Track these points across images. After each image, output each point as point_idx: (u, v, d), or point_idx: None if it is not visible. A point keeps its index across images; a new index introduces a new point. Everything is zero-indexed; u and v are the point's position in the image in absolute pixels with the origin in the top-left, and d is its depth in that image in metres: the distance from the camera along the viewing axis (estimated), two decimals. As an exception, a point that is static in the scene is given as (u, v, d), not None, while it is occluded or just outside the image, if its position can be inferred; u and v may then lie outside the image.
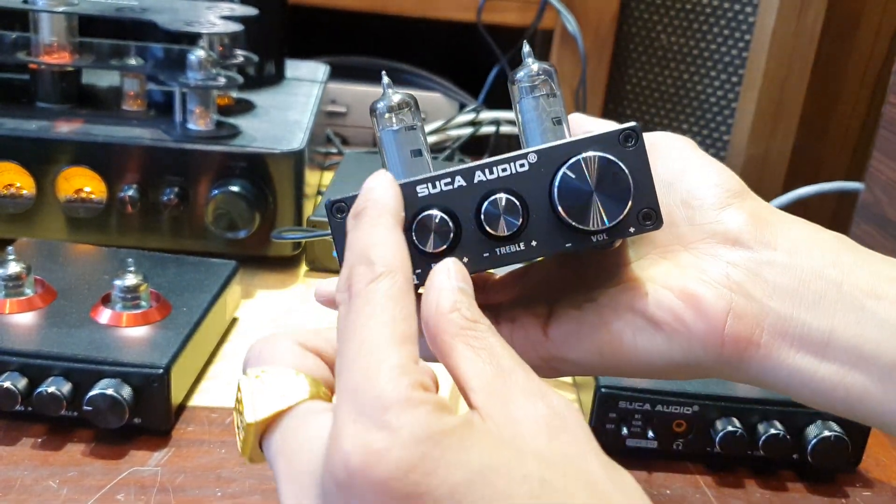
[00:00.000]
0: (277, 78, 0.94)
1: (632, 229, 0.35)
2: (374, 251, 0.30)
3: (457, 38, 1.30)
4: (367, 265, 0.30)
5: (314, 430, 0.29)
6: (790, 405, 0.53)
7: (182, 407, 0.55)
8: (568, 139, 0.35)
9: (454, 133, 1.07)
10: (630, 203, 0.34)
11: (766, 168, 1.05)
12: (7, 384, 0.50)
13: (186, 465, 0.50)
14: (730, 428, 0.52)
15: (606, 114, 1.18)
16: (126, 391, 0.50)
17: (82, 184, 0.69)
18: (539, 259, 0.40)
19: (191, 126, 0.72)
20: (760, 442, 0.53)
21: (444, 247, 0.34)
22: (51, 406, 0.50)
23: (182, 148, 0.70)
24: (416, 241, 0.34)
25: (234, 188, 0.69)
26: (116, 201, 0.69)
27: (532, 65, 0.36)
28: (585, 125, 0.42)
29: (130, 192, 0.69)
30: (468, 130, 1.07)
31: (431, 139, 1.05)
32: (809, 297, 0.35)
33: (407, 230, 0.34)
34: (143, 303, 0.56)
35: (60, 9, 0.74)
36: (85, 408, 0.50)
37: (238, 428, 0.32)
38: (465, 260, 0.34)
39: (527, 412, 0.28)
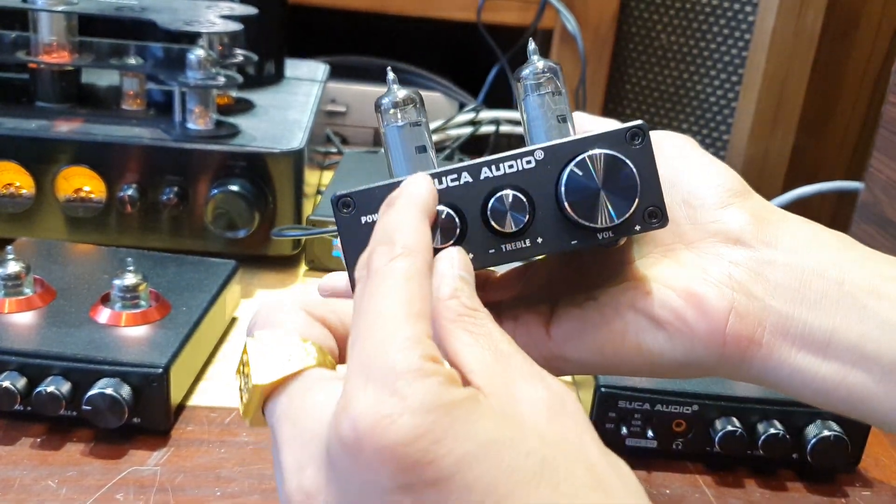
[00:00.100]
0: (277, 77, 0.94)
1: (637, 227, 0.35)
2: (397, 234, 0.31)
3: (456, 38, 1.30)
4: (388, 244, 0.30)
5: (321, 396, 0.29)
6: (790, 405, 0.53)
7: (181, 407, 0.55)
8: (575, 136, 0.35)
9: (454, 132, 1.07)
10: (637, 201, 0.34)
11: (766, 167, 1.05)
12: (6, 384, 0.50)
13: (185, 464, 0.50)
14: (729, 427, 0.52)
15: (606, 113, 1.18)
16: (125, 391, 0.50)
17: (82, 183, 0.69)
18: (541, 257, 0.40)
19: (190, 125, 0.72)
20: (760, 441, 0.53)
21: (450, 243, 0.34)
22: (50, 406, 0.50)
23: (181, 147, 0.70)
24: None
25: (234, 188, 0.69)
26: (116, 201, 0.69)
27: (537, 62, 0.36)
28: (587, 124, 0.42)
29: (130, 192, 0.69)
30: (468, 130, 1.07)
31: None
32: (811, 296, 0.35)
33: None
34: (143, 302, 0.56)
35: (60, 8, 0.74)
36: (84, 407, 0.50)
37: (242, 390, 0.32)
38: (471, 256, 0.34)
39: (527, 394, 0.28)
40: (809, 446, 0.53)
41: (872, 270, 0.36)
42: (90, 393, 0.49)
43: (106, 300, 0.56)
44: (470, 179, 0.34)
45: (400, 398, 0.26)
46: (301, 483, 0.28)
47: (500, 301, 0.40)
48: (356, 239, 0.33)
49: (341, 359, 0.33)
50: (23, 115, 0.73)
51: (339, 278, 0.40)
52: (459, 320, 0.30)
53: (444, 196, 0.34)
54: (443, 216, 0.34)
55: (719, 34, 1.07)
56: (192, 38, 0.76)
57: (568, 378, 0.62)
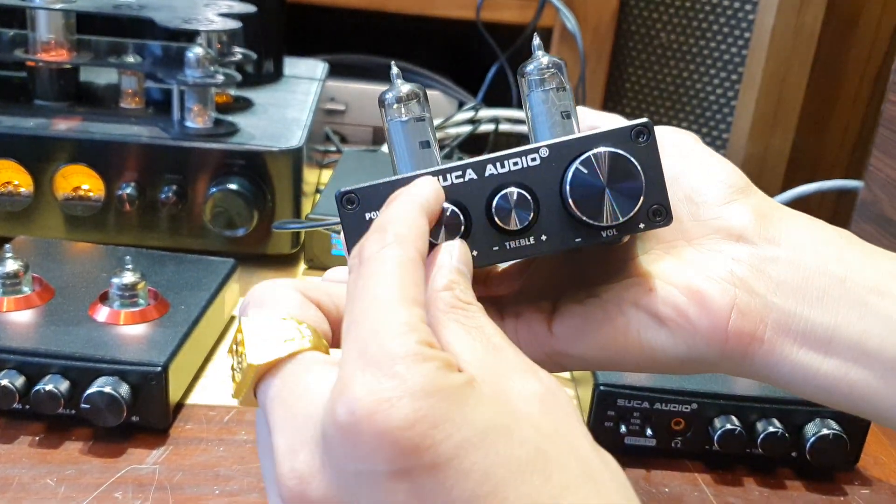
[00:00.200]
0: (276, 76, 0.94)
1: (642, 225, 0.35)
2: (390, 224, 0.31)
3: (456, 36, 1.30)
4: (380, 233, 0.31)
5: (315, 380, 0.29)
6: (789, 403, 0.53)
7: (180, 405, 0.55)
8: (579, 134, 0.35)
9: (453, 131, 1.07)
10: (641, 199, 0.34)
11: (766, 166, 1.05)
12: (5, 382, 0.50)
13: (184, 463, 0.50)
14: (728, 426, 0.52)
15: (605, 112, 1.18)
16: (124, 389, 0.50)
17: (80, 182, 0.69)
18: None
19: (189, 124, 0.72)
20: (759, 440, 0.52)
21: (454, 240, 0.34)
22: (48, 404, 0.50)
23: (180, 146, 0.70)
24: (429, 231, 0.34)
25: (233, 186, 0.69)
26: (114, 199, 0.69)
27: (542, 58, 0.36)
28: (591, 119, 0.42)
29: (128, 190, 0.69)
30: (467, 128, 1.07)
31: (430, 137, 1.04)
32: (813, 293, 0.35)
33: None
34: (141, 301, 0.56)
35: (58, 6, 0.74)
36: (83, 406, 0.50)
37: (234, 370, 0.32)
38: (475, 253, 0.34)
39: (519, 386, 0.28)
40: (808, 445, 0.53)
41: (874, 267, 0.36)
42: (89, 391, 0.49)
43: (104, 298, 0.56)
44: (475, 176, 0.34)
45: (399, 382, 0.26)
46: (294, 466, 0.28)
47: (501, 297, 0.40)
48: (360, 235, 0.33)
49: (335, 342, 0.33)
50: (21, 113, 0.73)
51: (343, 272, 0.40)
52: (452, 312, 0.30)
53: (448, 193, 0.34)
54: (447, 213, 0.34)
55: (719, 32, 1.07)
56: (190, 36, 0.76)
57: (566, 375, 0.62)
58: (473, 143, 1.09)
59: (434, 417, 0.25)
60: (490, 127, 1.08)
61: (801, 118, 1.03)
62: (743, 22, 1.05)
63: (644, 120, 0.35)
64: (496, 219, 0.34)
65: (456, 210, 0.34)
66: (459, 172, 0.34)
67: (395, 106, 0.35)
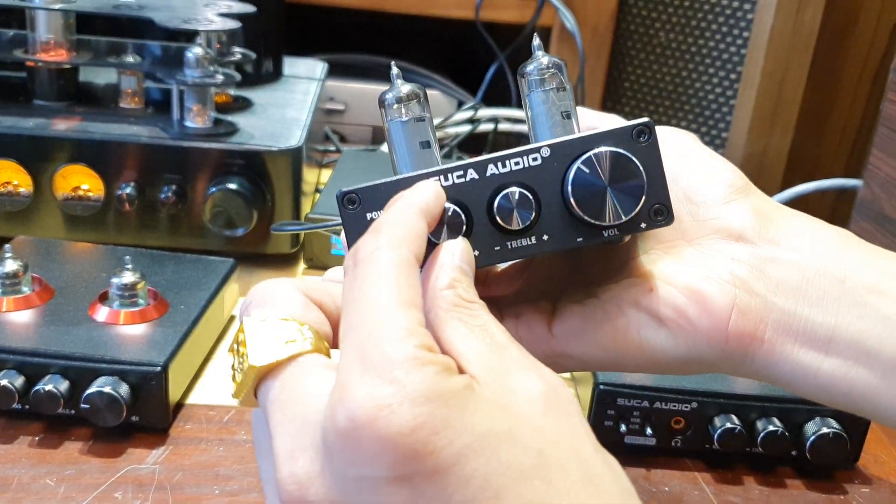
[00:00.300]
0: (275, 75, 0.94)
1: (643, 225, 0.35)
2: (385, 226, 0.31)
3: (455, 36, 1.30)
4: (373, 235, 0.30)
5: (316, 383, 0.29)
6: (789, 402, 0.53)
7: (180, 405, 0.55)
8: (581, 134, 0.35)
9: (452, 131, 1.07)
10: (643, 199, 0.34)
11: (765, 165, 1.05)
12: (4, 382, 0.50)
13: (184, 462, 0.50)
14: (728, 425, 0.52)
15: (605, 111, 1.17)
16: (123, 389, 0.50)
17: (80, 181, 0.69)
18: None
19: (188, 124, 0.72)
20: (759, 439, 0.52)
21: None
22: (48, 404, 0.50)
23: (180, 146, 0.70)
24: (427, 234, 0.34)
25: (232, 186, 0.69)
26: (114, 199, 0.69)
27: (542, 58, 0.36)
28: (590, 120, 0.42)
29: (128, 190, 0.69)
30: (466, 128, 1.07)
31: (430, 137, 1.04)
32: (813, 292, 0.35)
33: None
34: (141, 300, 0.56)
35: (58, 6, 0.74)
36: (82, 406, 0.49)
37: (235, 370, 0.32)
38: (477, 253, 0.34)
39: (522, 385, 0.28)
40: (808, 443, 0.53)
41: (874, 267, 0.36)
42: (88, 391, 0.49)
43: (104, 298, 0.56)
44: (476, 176, 0.34)
45: (398, 387, 0.26)
46: (293, 471, 0.28)
47: (501, 297, 0.40)
48: (361, 235, 0.33)
49: (336, 344, 0.33)
50: (21, 113, 0.73)
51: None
52: (455, 310, 0.30)
53: (450, 193, 0.34)
54: (449, 213, 0.34)
55: (718, 32, 1.07)
56: (190, 36, 0.76)
57: (566, 375, 0.62)
58: (473, 143, 1.09)
59: (435, 423, 0.25)
60: (489, 126, 1.08)
61: (799, 117, 1.03)
62: (742, 21, 1.05)
63: (645, 119, 0.35)
64: (498, 218, 0.34)
65: (457, 210, 0.34)
66: (461, 172, 0.34)
67: (396, 106, 0.35)
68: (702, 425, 0.53)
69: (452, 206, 0.34)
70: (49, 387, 0.49)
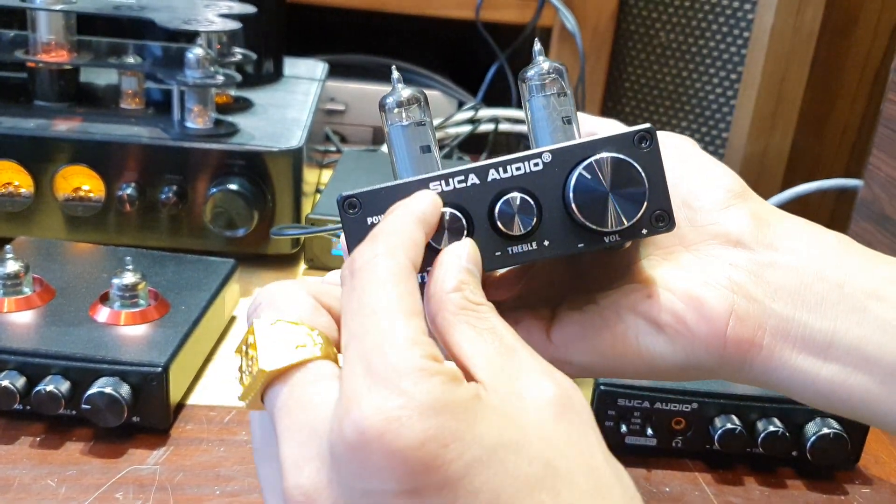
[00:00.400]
0: (276, 76, 0.94)
1: (644, 231, 0.35)
2: (382, 234, 0.31)
3: (455, 36, 1.30)
4: (370, 244, 0.30)
5: (324, 391, 0.29)
6: (789, 402, 0.53)
7: (180, 405, 0.55)
8: (583, 139, 0.35)
9: (453, 131, 1.07)
10: (645, 205, 0.34)
11: (765, 165, 1.05)
12: (5, 383, 0.50)
13: (185, 463, 0.50)
14: (729, 425, 0.52)
15: (605, 111, 1.18)
16: (124, 390, 0.50)
17: (81, 182, 0.69)
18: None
19: (189, 124, 0.72)
20: (759, 439, 0.53)
21: None
22: (49, 405, 0.50)
23: (180, 146, 0.70)
24: (424, 242, 0.34)
25: (233, 186, 0.69)
26: (115, 200, 0.69)
27: (542, 63, 0.36)
28: (590, 125, 0.42)
29: (129, 191, 0.69)
30: (467, 128, 1.07)
31: (430, 137, 1.04)
32: (811, 298, 0.35)
33: None
34: (142, 301, 0.56)
35: (58, 7, 0.74)
36: (83, 406, 0.50)
37: (243, 371, 0.31)
38: None
39: (532, 390, 0.28)
40: (809, 444, 0.53)
41: (873, 272, 0.36)
42: (89, 392, 0.49)
43: (105, 299, 0.56)
44: (477, 181, 0.34)
45: (407, 399, 0.26)
46: (299, 482, 0.28)
47: (500, 302, 0.40)
48: (361, 240, 0.33)
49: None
50: (21, 114, 0.73)
51: None
52: (462, 313, 0.30)
53: (450, 198, 0.34)
54: (449, 217, 0.33)
55: (718, 32, 1.07)
56: (190, 36, 0.76)
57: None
58: (473, 143, 1.09)
59: (444, 436, 0.25)
60: (490, 127, 1.08)
61: (800, 117, 1.03)
62: (742, 21, 1.05)
63: (647, 125, 0.35)
64: (499, 224, 0.34)
65: (458, 214, 0.34)
66: (462, 177, 0.34)
67: (396, 110, 0.35)
68: (702, 426, 0.53)
69: (453, 211, 0.34)
70: (50, 387, 0.49)
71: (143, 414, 0.51)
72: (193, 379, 0.58)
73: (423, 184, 0.34)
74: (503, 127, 1.08)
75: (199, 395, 0.57)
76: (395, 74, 0.36)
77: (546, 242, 0.35)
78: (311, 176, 0.82)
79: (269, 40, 0.92)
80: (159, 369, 0.51)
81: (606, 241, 0.35)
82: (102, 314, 0.55)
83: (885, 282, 0.35)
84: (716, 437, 0.53)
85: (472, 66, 1.23)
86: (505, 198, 0.34)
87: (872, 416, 0.35)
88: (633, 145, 0.35)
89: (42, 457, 0.50)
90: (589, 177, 0.34)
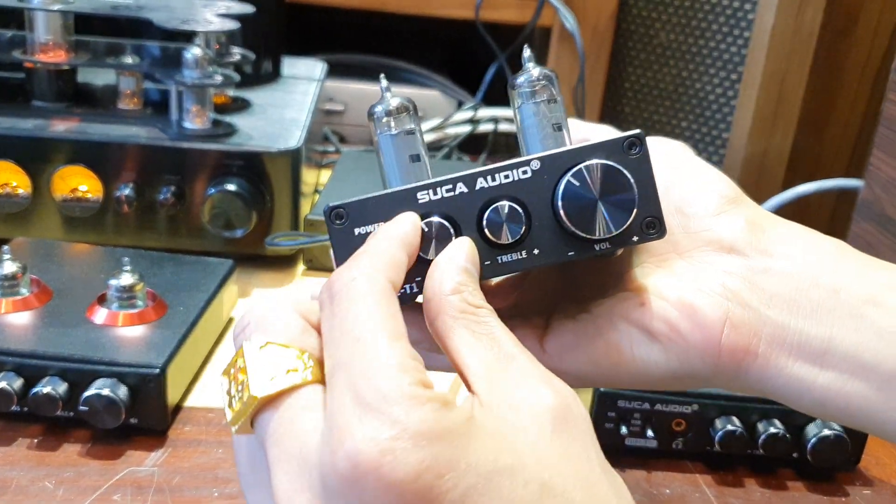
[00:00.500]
0: (274, 76, 0.94)
1: (635, 238, 0.35)
2: (360, 257, 0.30)
3: (455, 36, 1.30)
4: (348, 267, 0.30)
5: (315, 419, 0.28)
6: (790, 404, 0.53)
7: (178, 407, 0.55)
8: (571, 146, 0.35)
9: (452, 131, 1.07)
10: (634, 212, 0.34)
11: (766, 165, 1.05)
12: (3, 384, 0.49)
13: (183, 465, 0.50)
14: (729, 427, 0.52)
15: (605, 111, 1.18)
16: (122, 391, 0.50)
17: (78, 183, 0.69)
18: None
19: (187, 124, 0.72)
20: (760, 441, 0.52)
21: None
22: (47, 406, 0.49)
23: (178, 147, 0.69)
24: (406, 263, 0.33)
25: (231, 187, 0.69)
26: (113, 200, 0.69)
27: (532, 70, 0.36)
28: (583, 131, 0.41)
29: (127, 191, 0.68)
30: (466, 128, 1.07)
31: (429, 137, 1.04)
32: (807, 304, 0.35)
33: None
34: (140, 302, 0.56)
35: (56, 7, 0.74)
36: (81, 408, 0.49)
37: (232, 395, 0.31)
38: None
39: (530, 400, 0.28)
40: (809, 445, 0.52)
41: (870, 279, 0.35)
42: (87, 393, 0.49)
43: (103, 300, 0.56)
44: (465, 190, 0.34)
45: (400, 429, 0.25)
46: None
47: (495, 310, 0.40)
48: (349, 251, 0.33)
49: None
50: (19, 114, 0.73)
51: None
52: (462, 317, 0.30)
53: (438, 207, 0.34)
54: (437, 227, 0.33)
55: (718, 32, 1.07)
56: (188, 36, 0.75)
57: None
58: (473, 143, 1.08)
59: (439, 467, 0.25)
60: (489, 127, 1.08)
61: (800, 117, 1.03)
62: (742, 21, 1.05)
63: (637, 131, 0.34)
64: (487, 232, 0.34)
65: (445, 223, 0.33)
66: (450, 186, 0.34)
67: (385, 119, 0.35)
68: (703, 427, 0.53)
69: (441, 221, 0.33)
70: (47, 389, 0.49)
71: (141, 415, 0.51)
72: (191, 380, 0.58)
73: (411, 193, 0.34)
74: (503, 127, 1.07)
75: (196, 397, 0.57)
76: (384, 83, 0.36)
77: (536, 251, 0.34)
78: (309, 176, 0.81)
79: (267, 40, 0.91)
80: (157, 371, 0.50)
81: (597, 248, 0.35)
82: (100, 315, 0.55)
83: (883, 288, 0.35)
84: (716, 438, 0.52)
85: (472, 66, 1.23)
86: (493, 206, 0.34)
87: (870, 423, 0.35)
88: (623, 151, 0.34)
89: (39, 458, 0.50)
90: (577, 184, 0.34)
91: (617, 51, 1.16)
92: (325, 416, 0.27)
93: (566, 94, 1.11)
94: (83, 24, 0.77)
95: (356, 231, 0.34)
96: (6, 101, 0.75)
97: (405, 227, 0.32)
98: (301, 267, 0.76)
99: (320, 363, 0.31)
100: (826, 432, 0.52)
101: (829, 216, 1.06)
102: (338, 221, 0.34)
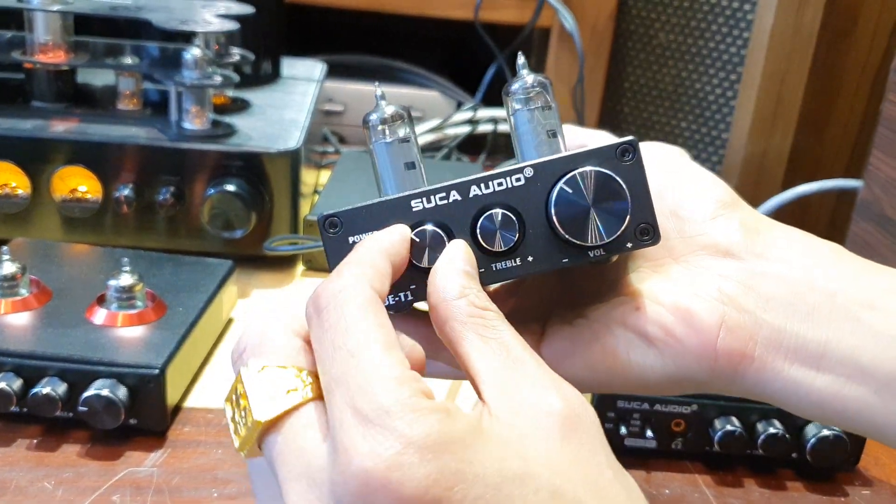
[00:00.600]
0: (274, 76, 0.94)
1: (629, 245, 0.35)
2: (345, 268, 0.30)
3: (454, 37, 1.30)
4: (332, 279, 0.30)
5: (319, 436, 0.29)
6: (789, 404, 0.53)
7: (178, 408, 0.55)
8: (564, 153, 0.35)
9: (451, 132, 1.07)
10: (628, 219, 0.34)
11: (765, 166, 1.05)
12: (2, 385, 0.49)
13: (182, 465, 0.50)
14: (729, 427, 0.52)
15: (604, 112, 1.18)
16: (121, 392, 0.50)
17: (78, 183, 0.69)
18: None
19: (186, 125, 0.72)
20: (759, 441, 0.52)
21: None
22: (46, 407, 0.49)
23: (178, 147, 0.69)
24: (410, 257, 0.33)
25: (230, 188, 0.69)
26: (112, 201, 0.69)
27: (527, 76, 0.36)
28: (580, 137, 0.41)
29: (126, 192, 0.68)
30: (465, 129, 1.07)
31: (429, 137, 1.04)
32: (803, 308, 0.35)
33: None
34: (139, 303, 0.56)
35: (55, 8, 0.74)
36: (80, 408, 0.49)
37: (236, 422, 0.31)
38: None
39: (539, 406, 0.28)
40: (809, 445, 0.52)
41: (867, 282, 0.35)
42: (86, 394, 0.49)
43: (102, 301, 0.56)
44: (459, 198, 0.34)
45: (405, 443, 0.25)
46: None
47: None
48: (343, 259, 0.33)
49: None
50: (19, 115, 0.73)
51: None
52: (471, 321, 0.30)
53: (432, 214, 0.34)
54: (431, 235, 0.33)
55: (718, 32, 1.07)
56: (188, 37, 0.75)
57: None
58: (472, 144, 1.08)
59: (448, 479, 0.25)
60: (489, 127, 1.08)
61: (800, 118, 1.03)
62: (742, 22, 1.05)
63: (630, 138, 0.34)
64: (481, 240, 0.34)
65: (440, 232, 0.33)
66: (444, 194, 0.34)
67: (380, 127, 0.35)
68: (702, 427, 0.53)
69: (435, 229, 0.33)
70: (47, 389, 0.49)
71: (141, 416, 0.51)
72: (191, 381, 0.58)
73: (405, 201, 0.34)
74: (502, 128, 1.07)
75: (196, 398, 0.57)
76: (378, 91, 0.36)
77: (530, 258, 0.34)
78: (309, 177, 0.81)
79: (267, 41, 0.92)
80: (156, 371, 0.50)
81: (591, 255, 0.35)
82: (99, 316, 0.55)
83: (880, 291, 0.35)
84: (716, 438, 0.52)
85: (471, 67, 1.23)
86: (487, 214, 0.34)
87: (868, 427, 0.35)
88: (616, 158, 0.34)
89: (39, 459, 0.50)
90: (571, 191, 0.34)
91: (616, 51, 1.16)
92: (329, 433, 0.27)
93: (565, 94, 1.11)
94: (82, 24, 0.77)
95: (350, 239, 0.34)
96: (6, 102, 0.75)
97: (390, 237, 0.32)
98: (300, 268, 0.76)
99: (318, 380, 0.31)
100: (825, 432, 0.52)
101: (828, 216, 1.06)
102: (332, 230, 0.34)
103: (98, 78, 0.83)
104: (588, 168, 0.34)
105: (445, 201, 0.34)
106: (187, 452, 0.51)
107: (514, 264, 0.34)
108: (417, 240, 0.33)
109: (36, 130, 0.70)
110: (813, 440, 0.52)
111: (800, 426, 0.53)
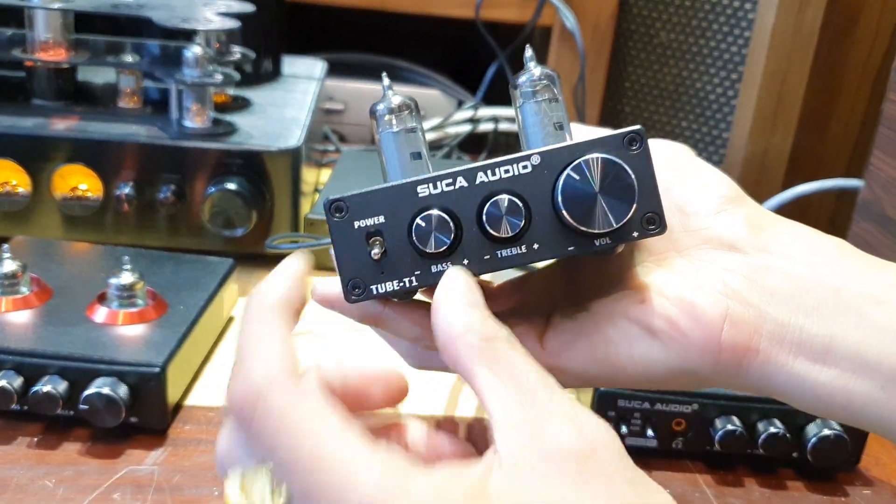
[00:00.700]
0: (274, 75, 0.94)
1: (635, 234, 0.35)
2: (247, 360, 0.30)
3: (455, 35, 1.30)
4: (244, 381, 0.29)
5: None
6: (790, 403, 0.53)
7: (178, 406, 0.55)
8: (571, 142, 0.35)
9: (452, 130, 1.07)
10: (634, 206, 0.34)
11: (766, 165, 1.05)
12: (3, 383, 0.49)
13: (183, 464, 0.50)
14: (729, 426, 0.52)
15: (605, 111, 1.18)
16: (122, 390, 0.50)
17: (78, 181, 0.69)
18: (538, 266, 0.40)
19: (187, 123, 0.72)
20: (760, 440, 0.52)
21: (445, 247, 0.33)
22: (47, 405, 0.49)
23: (178, 145, 0.69)
24: (415, 242, 0.33)
25: (231, 186, 0.69)
26: (113, 199, 0.69)
27: (534, 69, 0.36)
28: (585, 134, 0.41)
29: (127, 190, 0.68)
30: (467, 128, 1.07)
31: (430, 136, 1.04)
32: (808, 302, 0.35)
33: (406, 231, 0.33)
34: (140, 301, 0.56)
35: (56, 5, 0.74)
36: (81, 406, 0.49)
37: None
38: (466, 262, 0.34)
39: (553, 443, 0.28)
40: (809, 445, 0.52)
41: (872, 277, 0.35)
42: (87, 392, 0.49)
43: (103, 299, 0.56)
44: (465, 184, 0.34)
45: None
46: None
47: (496, 312, 0.39)
48: (349, 244, 0.33)
49: (351, 403, 0.32)
50: (19, 112, 0.73)
51: (333, 284, 0.39)
52: (479, 357, 0.30)
53: (438, 200, 0.34)
54: (437, 220, 0.33)
55: (719, 31, 1.07)
56: (188, 35, 0.75)
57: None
58: (473, 143, 1.08)
59: None
60: (489, 126, 1.07)
61: (801, 117, 1.03)
62: (743, 21, 1.05)
63: (637, 127, 0.34)
64: (487, 226, 0.34)
65: (446, 217, 0.33)
66: (450, 180, 0.34)
67: (387, 117, 0.35)
68: (703, 427, 0.53)
69: (441, 214, 0.33)
70: (47, 388, 0.49)
71: (141, 414, 0.51)
72: (191, 379, 0.58)
73: (411, 186, 0.34)
74: (503, 126, 1.07)
75: (197, 396, 0.57)
76: (386, 81, 0.36)
77: (535, 245, 0.34)
78: (309, 175, 0.81)
79: (267, 39, 0.91)
80: (157, 369, 0.50)
81: (597, 244, 0.34)
82: (100, 314, 0.55)
83: (884, 287, 0.35)
84: (716, 438, 0.52)
85: (472, 65, 1.23)
86: (493, 200, 0.34)
87: (872, 422, 0.35)
88: (623, 147, 0.34)
89: (39, 457, 0.50)
90: (577, 178, 0.34)
91: (617, 50, 1.16)
92: None
93: (566, 93, 1.11)
94: (83, 22, 0.77)
95: (356, 224, 0.34)
96: (6, 100, 0.75)
97: (279, 288, 0.33)
98: (301, 266, 0.76)
99: None
100: (826, 432, 0.52)
101: (829, 216, 1.06)
102: (337, 214, 0.34)
103: (99, 76, 0.83)
104: (595, 155, 0.34)
105: (452, 187, 0.34)
106: (188, 451, 0.51)
107: (519, 251, 0.34)
108: (423, 224, 0.33)
109: (36, 128, 0.69)
110: (814, 440, 0.52)
111: (800, 426, 0.53)
